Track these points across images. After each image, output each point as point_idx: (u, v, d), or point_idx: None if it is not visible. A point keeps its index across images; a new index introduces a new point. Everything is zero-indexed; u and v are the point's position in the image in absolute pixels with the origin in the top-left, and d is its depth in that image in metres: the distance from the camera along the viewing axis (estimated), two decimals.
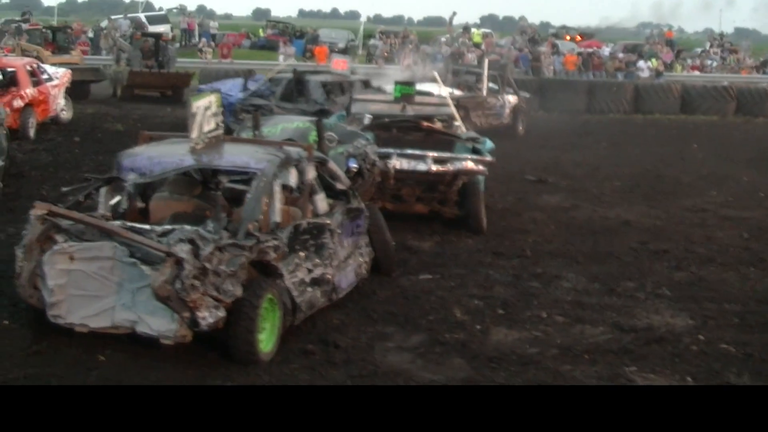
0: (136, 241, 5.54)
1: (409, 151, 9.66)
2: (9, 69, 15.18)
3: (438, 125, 10.65)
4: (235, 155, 6.59)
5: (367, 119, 10.55)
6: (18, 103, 14.36)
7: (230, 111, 13.70)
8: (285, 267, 6.14)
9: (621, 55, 29.98)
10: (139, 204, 6.64)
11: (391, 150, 9.62)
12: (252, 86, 15.90)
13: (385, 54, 32.38)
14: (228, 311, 5.58)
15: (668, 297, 7.67)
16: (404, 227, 9.63)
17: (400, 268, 8.14)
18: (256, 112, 8.16)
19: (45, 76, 15.89)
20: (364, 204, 7.84)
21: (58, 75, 16.63)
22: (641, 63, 28.58)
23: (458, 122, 10.79)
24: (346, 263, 7.15)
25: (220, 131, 6.81)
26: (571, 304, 7.35)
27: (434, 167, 9.59)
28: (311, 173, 6.74)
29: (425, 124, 10.22)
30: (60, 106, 16.35)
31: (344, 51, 35.90)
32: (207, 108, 6.56)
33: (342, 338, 6.33)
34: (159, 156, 6.60)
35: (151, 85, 21.52)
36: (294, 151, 6.77)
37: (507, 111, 17.79)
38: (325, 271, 6.64)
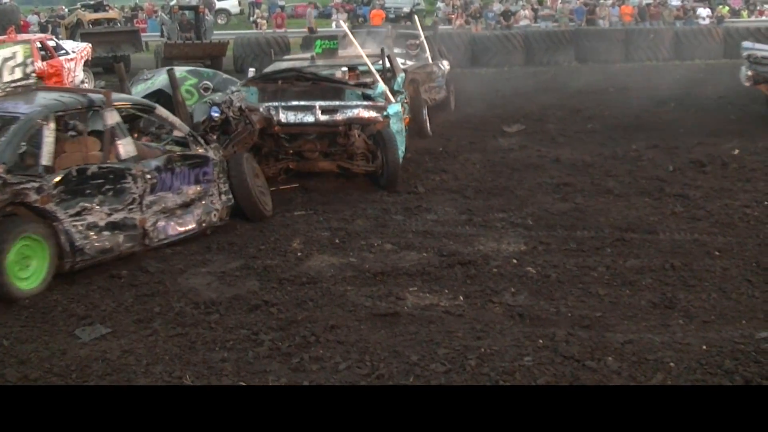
0: None
1: (295, 103, 9.01)
2: None
3: (346, 77, 9.95)
4: (18, 103, 6.68)
5: (251, 72, 10.44)
6: None
7: None
8: (62, 210, 6.22)
9: (675, 2, 28.55)
10: None
11: (275, 103, 8.99)
12: None
13: (450, 16, 32.12)
14: None
15: (526, 226, 7.58)
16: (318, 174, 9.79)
17: (283, 206, 8.38)
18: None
19: (62, 51, 16.91)
20: (233, 151, 8.00)
21: (76, 50, 17.65)
22: (700, 10, 27.25)
23: (373, 76, 9.85)
24: (186, 210, 7.23)
25: (30, 80, 7.10)
26: (416, 234, 7.39)
27: (323, 117, 8.85)
28: (111, 119, 6.80)
29: (307, 73, 9.51)
30: (78, 78, 17.33)
31: (409, 15, 36.00)
32: (9, 59, 6.95)
33: (157, 265, 6.66)
34: None
35: (187, 56, 22.29)
36: (96, 97, 6.91)
37: (444, 81, 14.19)
38: (130, 216, 6.70)
